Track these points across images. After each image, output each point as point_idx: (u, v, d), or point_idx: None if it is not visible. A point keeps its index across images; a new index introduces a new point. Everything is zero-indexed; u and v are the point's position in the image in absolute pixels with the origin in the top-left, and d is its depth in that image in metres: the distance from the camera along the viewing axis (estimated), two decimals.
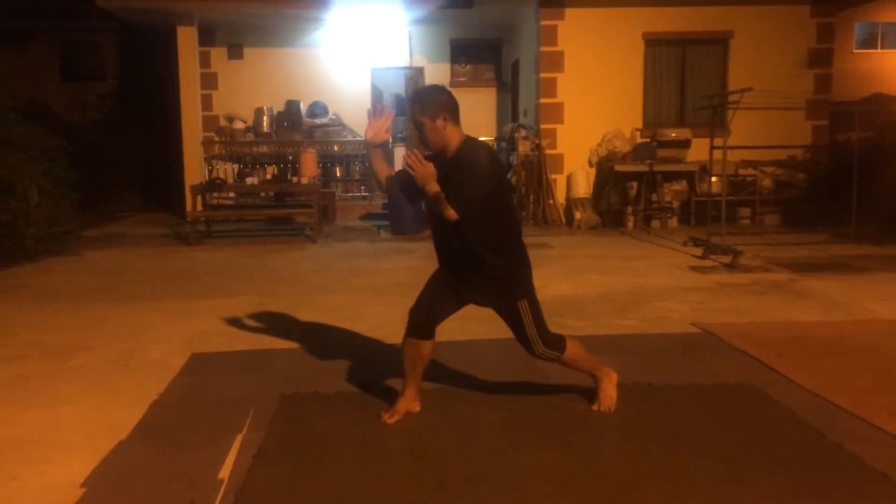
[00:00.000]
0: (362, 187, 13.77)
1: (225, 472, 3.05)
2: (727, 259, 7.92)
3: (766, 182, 11.57)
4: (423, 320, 3.54)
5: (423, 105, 3.35)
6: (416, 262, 8.55)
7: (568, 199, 11.78)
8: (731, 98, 8.68)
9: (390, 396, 3.91)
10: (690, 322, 5.47)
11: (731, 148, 8.96)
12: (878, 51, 19.98)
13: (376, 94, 15.08)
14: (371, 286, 7.07)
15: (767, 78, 10.86)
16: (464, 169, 3.28)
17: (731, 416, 3.64)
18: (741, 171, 11.41)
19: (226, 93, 13.92)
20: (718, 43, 11.85)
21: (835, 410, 3.69)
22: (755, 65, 11.43)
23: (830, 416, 3.62)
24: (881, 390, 3.95)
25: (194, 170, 12.58)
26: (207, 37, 13.56)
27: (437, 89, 3.46)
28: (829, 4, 11.97)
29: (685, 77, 12.02)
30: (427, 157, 3.30)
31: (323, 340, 5.13)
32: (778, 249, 8.76)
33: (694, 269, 7.71)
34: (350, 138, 13.88)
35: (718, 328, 5.24)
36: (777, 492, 2.85)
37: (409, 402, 3.63)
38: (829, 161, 11.76)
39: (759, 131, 10.88)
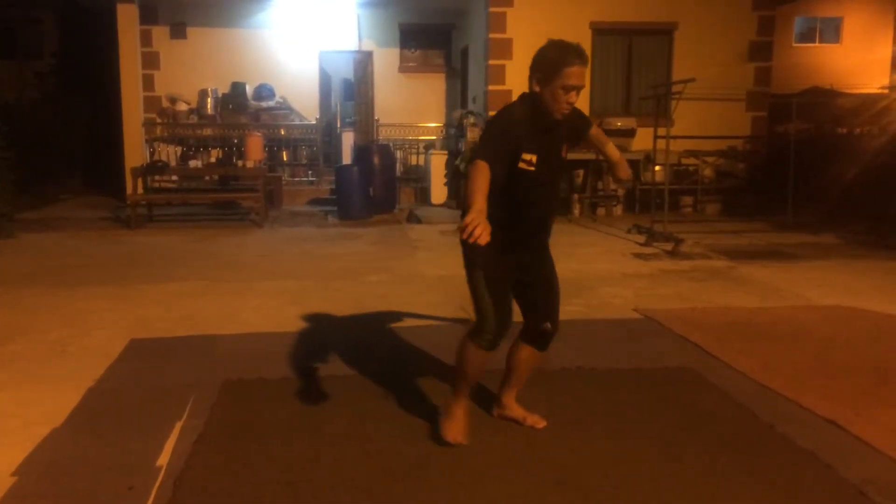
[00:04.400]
0: (309, 172, 13.62)
1: (164, 459, 3.00)
2: (669, 246, 8.08)
3: (708, 171, 11.85)
4: (506, 331, 3.14)
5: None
6: (365, 247, 8.52)
7: None
8: (675, 88, 8.84)
9: (337, 382, 3.89)
10: (633, 308, 5.57)
11: (675, 137, 9.14)
12: (817, 45, 20.55)
13: (324, 78, 14.91)
14: (319, 271, 7.01)
15: (710, 69, 11.08)
16: (579, 115, 3.20)
17: (669, 399, 3.72)
18: (684, 161, 11.65)
19: (168, 73, 13.57)
20: (663, 34, 12.04)
21: (768, 393, 3.81)
22: (699, 56, 11.64)
23: (764, 398, 3.74)
24: (812, 373, 4.10)
25: (135, 152, 12.26)
26: (149, 15, 13.19)
27: None
28: None
29: (631, 67, 12.18)
30: (551, 122, 3.01)
31: (268, 326, 5.07)
32: (718, 237, 8.97)
33: (637, 255, 7.86)
34: (297, 122, 13.70)
35: (659, 314, 5.35)
36: (710, 471, 2.93)
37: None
38: (768, 152, 12.09)
39: (702, 121, 11.10)
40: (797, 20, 20.23)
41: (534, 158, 2.99)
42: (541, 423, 3.34)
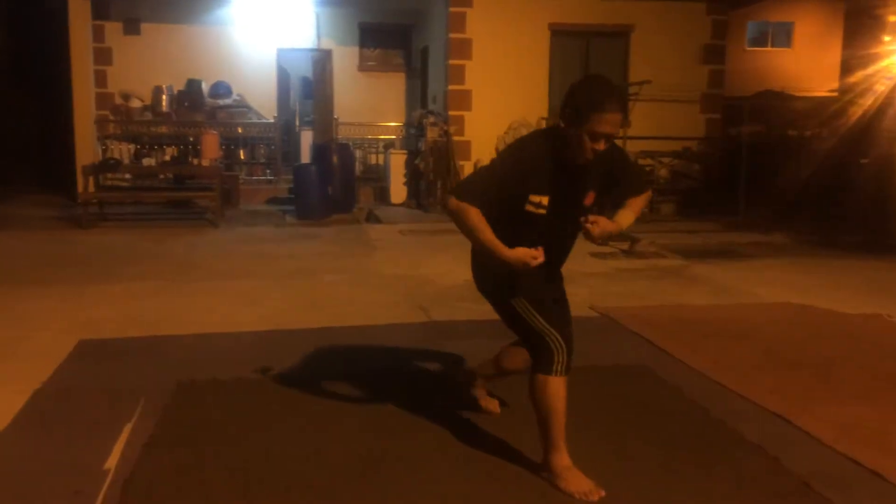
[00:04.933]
0: (267, 171, 13.47)
1: (112, 462, 2.93)
2: (625, 245, 8.18)
3: (663, 172, 12.01)
4: (573, 345, 2.87)
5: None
6: (323, 246, 8.47)
7: None
8: (631, 90, 8.95)
9: (292, 382, 3.87)
10: (589, 306, 5.62)
11: (631, 138, 9.26)
12: (769, 49, 21.00)
13: (283, 76, 14.77)
14: (275, 271, 6.93)
15: (665, 72, 11.28)
16: (623, 157, 3.01)
17: (623, 396, 3.77)
18: (640, 161, 11.79)
19: (121, 69, 13.30)
20: (620, 36, 12.17)
21: (719, 389, 3.88)
22: (654, 59, 11.81)
23: (715, 394, 3.81)
24: (762, 369, 4.19)
25: (87, 149, 11.98)
26: (101, 10, 12.91)
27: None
28: (723, 3, 12.50)
29: (589, 68, 12.27)
30: (576, 165, 2.74)
31: (222, 327, 5.00)
32: (673, 237, 9.10)
33: (594, 255, 7.92)
34: (255, 120, 13.55)
35: (615, 311, 5.41)
36: (661, 466, 2.98)
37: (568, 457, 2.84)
38: (722, 153, 12.32)
39: (658, 123, 11.26)
40: (750, 25, 20.64)
41: (544, 201, 2.73)
42: (496, 410, 3.46)
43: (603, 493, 2.72)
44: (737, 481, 2.86)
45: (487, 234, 2.68)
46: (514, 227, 2.76)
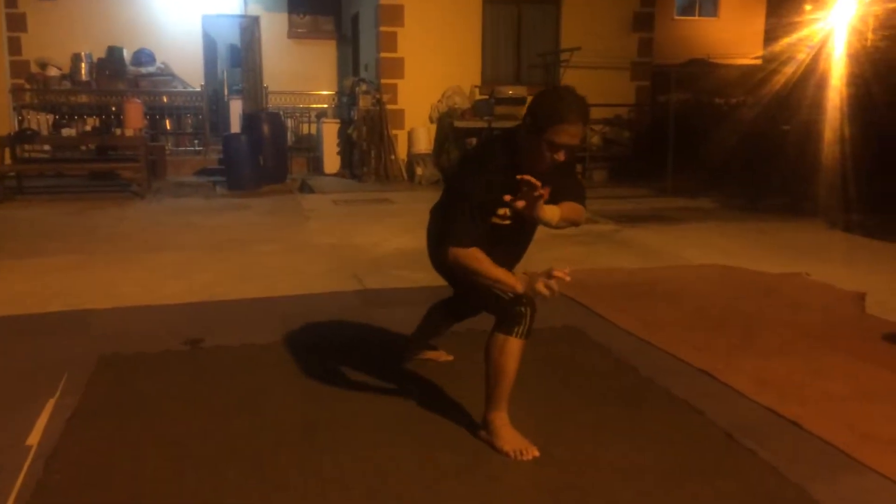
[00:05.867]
0: (196, 141, 13.12)
1: (34, 438, 2.83)
2: None
3: (595, 139, 12.17)
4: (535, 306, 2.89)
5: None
6: (255, 217, 8.31)
7: (409, 154, 11.83)
8: (563, 57, 9.00)
9: (224, 353, 3.80)
10: (522, 271, 5.67)
11: None
12: (696, 18, 21.42)
13: (209, 44, 14.35)
14: (205, 242, 6.78)
15: (596, 39, 11.37)
16: (573, 165, 2.99)
17: (555, 357, 3.84)
18: None
19: (37, 36, 12.72)
20: (551, 3, 12.21)
21: (648, 348, 3.98)
22: (585, 26, 11.89)
23: (644, 353, 3.90)
24: (688, 328, 4.31)
25: (1, 120, 11.45)
26: None
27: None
28: None
29: (521, 36, 12.31)
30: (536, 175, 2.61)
31: (150, 299, 4.86)
32: (605, 203, 9.24)
33: None
34: (181, 89, 13.14)
35: None
36: (594, 423, 3.05)
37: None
38: (651, 120, 12.54)
39: (589, 90, 11.23)
40: None
41: (508, 212, 2.73)
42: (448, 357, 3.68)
43: (537, 453, 2.77)
44: (665, 435, 2.94)
45: (494, 271, 2.70)
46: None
